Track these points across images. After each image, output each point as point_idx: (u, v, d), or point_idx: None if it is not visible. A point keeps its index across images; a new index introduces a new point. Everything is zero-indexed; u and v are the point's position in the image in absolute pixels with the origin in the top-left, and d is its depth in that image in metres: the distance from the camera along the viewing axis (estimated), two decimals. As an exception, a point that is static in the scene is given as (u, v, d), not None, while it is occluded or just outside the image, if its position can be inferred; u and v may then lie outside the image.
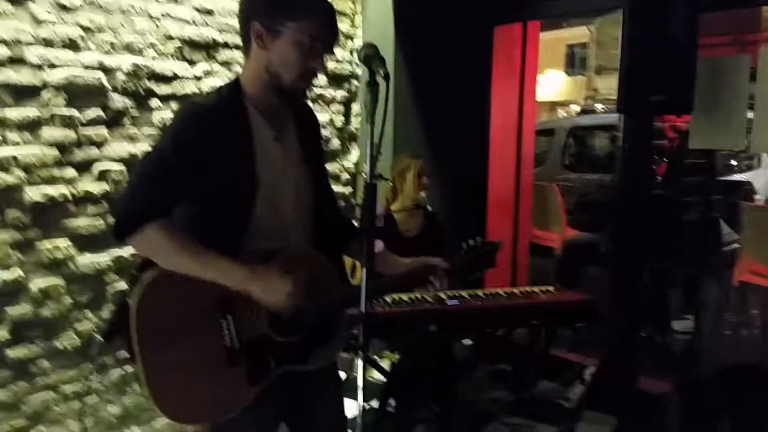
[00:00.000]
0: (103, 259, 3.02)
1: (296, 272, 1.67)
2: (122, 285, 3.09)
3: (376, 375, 3.32)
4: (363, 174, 3.80)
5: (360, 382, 1.66)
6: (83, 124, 2.90)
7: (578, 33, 21.49)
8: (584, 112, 14.73)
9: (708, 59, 3.19)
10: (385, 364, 3.41)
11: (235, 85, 1.76)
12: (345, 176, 4.35)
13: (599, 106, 20.53)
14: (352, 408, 1.96)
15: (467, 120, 4.41)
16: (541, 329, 3.35)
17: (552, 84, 21.43)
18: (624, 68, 3.22)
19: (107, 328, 1.80)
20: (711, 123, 3.30)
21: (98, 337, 2.99)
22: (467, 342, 3.91)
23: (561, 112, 20.56)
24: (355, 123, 4.32)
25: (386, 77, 1.59)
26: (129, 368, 3.14)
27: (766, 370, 3.16)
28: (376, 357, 3.46)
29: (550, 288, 3.17)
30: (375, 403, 3.15)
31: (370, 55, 1.64)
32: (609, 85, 21.86)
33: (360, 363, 1.65)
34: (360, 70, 4.22)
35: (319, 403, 1.90)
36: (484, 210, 4.65)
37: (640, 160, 3.65)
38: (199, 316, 1.66)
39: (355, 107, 4.30)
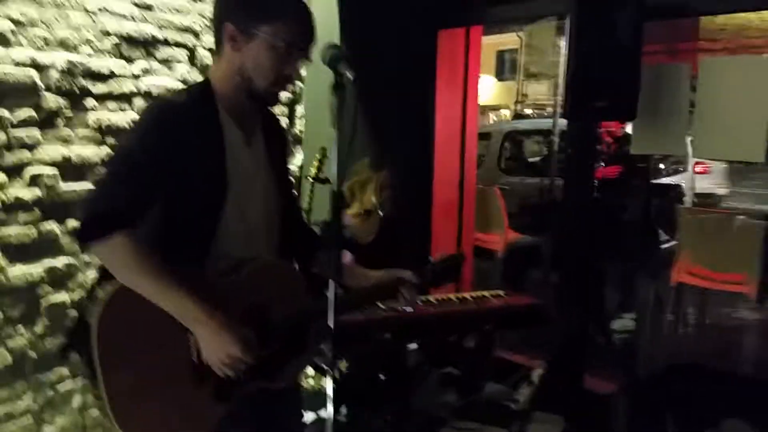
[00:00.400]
0: (35, 270, 2.83)
1: (251, 344, 1.60)
2: (57, 298, 2.91)
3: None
4: (308, 177, 3.74)
5: (330, 393, 1.60)
6: (14, 126, 2.71)
7: (508, 39, 21.98)
8: (518, 116, 15.06)
9: (650, 67, 3.26)
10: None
11: (204, 84, 1.69)
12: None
13: (528, 111, 21.08)
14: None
15: (412, 124, 4.39)
16: (492, 333, 3.36)
17: (483, 89, 21.87)
18: (569, 75, 3.26)
19: (62, 346, 1.68)
20: (653, 129, 3.38)
21: (31, 353, 2.81)
22: (413, 346, 3.89)
23: (492, 117, 21.00)
24: (300, 125, 4.24)
25: (354, 80, 1.53)
26: (65, 387, 2.97)
27: (707, 368, 3.26)
28: (323, 365, 3.40)
29: (500, 292, 3.18)
30: (325, 413, 3.08)
31: (335, 57, 1.59)
32: (538, 90, 22.49)
33: (329, 380, 1.58)
34: (304, 71, 4.14)
35: (285, 419, 1.85)
36: (429, 214, 4.64)
37: (584, 165, 3.71)
38: (164, 331, 1.56)
39: (300, 109, 4.21)
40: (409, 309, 2.83)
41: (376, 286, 1.92)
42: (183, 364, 1.58)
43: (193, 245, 1.62)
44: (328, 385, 1.60)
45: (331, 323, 1.56)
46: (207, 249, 1.64)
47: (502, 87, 23.24)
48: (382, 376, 3.22)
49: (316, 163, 3.66)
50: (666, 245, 4.85)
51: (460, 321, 2.97)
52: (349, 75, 1.54)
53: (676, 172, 7.73)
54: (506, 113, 22.13)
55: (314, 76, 4.11)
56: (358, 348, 2.91)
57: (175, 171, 1.57)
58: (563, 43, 8.69)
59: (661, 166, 7.63)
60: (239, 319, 1.62)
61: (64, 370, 2.97)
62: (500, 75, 23.66)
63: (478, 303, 3.03)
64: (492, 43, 21.26)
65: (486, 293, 3.16)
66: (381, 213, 3.38)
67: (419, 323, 2.88)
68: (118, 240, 1.50)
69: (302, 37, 1.65)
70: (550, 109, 19.21)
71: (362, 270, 1.96)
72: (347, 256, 2.14)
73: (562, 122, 6.94)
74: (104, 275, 1.61)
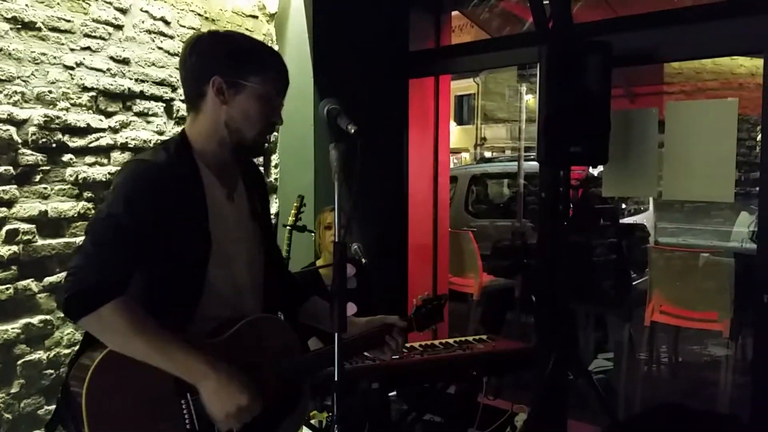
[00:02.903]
0: (11, 328, 2.74)
1: (254, 393, 1.57)
2: (33, 356, 2.82)
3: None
4: (285, 226, 3.73)
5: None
6: (-9, 181, 2.67)
7: (466, 85, 22.41)
8: (483, 160, 15.30)
9: (619, 111, 3.37)
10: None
11: (181, 140, 1.66)
12: (265, 229, 4.23)
13: (488, 154, 21.45)
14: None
15: (386, 169, 4.44)
16: (479, 379, 3.35)
17: (445, 133, 22.15)
18: (541, 121, 3.34)
19: (50, 420, 1.59)
20: (623, 172, 3.47)
21: (6, 415, 2.70)
22: (392, 394, 3.85)
23: (453, 160, 21.27)
24: (275, 173, 4.24)
25: (357, 132, 1.55)
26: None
27: (690, 407, 3.30)
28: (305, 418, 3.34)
29: (484, 337, 3.20)
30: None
31: (334, 112, 1.61)
32: (495, 134, 22.94)
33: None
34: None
35: None
36: (405, 258, 4.65)
37: (557, 208, 3.78)
38: (156, 398, 1.51)
39: (275, 158, 4.22)
40: (395, 357, 2.82)
41: (366, 335, 1.90)
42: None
43: (179, 307, 1.58)
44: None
45: (336, 377, 1.55)
46: (193, 311, 1.60)
47: (461, 131, 23.62)
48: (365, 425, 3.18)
49: (293, 211, 3.65)
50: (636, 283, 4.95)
51: (447, 367, 2.96)
52: (350, 128, 1.56)
53: (638, 211, 7.93)
54: (466, 156, 22.46)
55: (288, 125, 4.14)
56: (344, 398, 2.87)
57: (160, 233, 1.53)
58: (523, 88, 8.95)
59: (623, 206, 7.83)
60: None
61: (41, 433, 2.86)
62: (459, 119, 24.07)
63: (464, 349, 3.03)
64: (451, 88, 21.64)
65: (470, 338, 3.17)
66: (363, 260, 3.38)
67: (406, 370, 2.85)
68: (108, 309, 1.46)
69: (285, 84, 1.70)
70: (508, 152, 19.61)
71: (349, 318, 1.94)
72: (352, 308, 2.13)
73: (527, 165, 7.11)
74: (85, 340, 1.57)
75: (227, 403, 1.53)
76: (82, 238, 2.91)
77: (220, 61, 1.62)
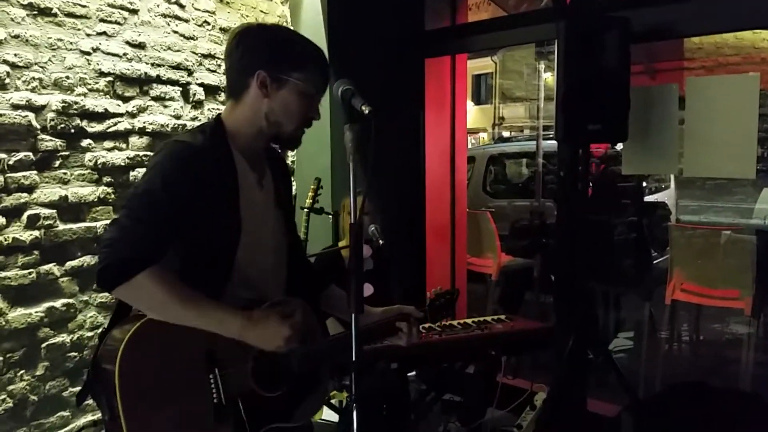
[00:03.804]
0: (35, 312, 2.78)
1: (292, 316, 1.64)
2: (57, 339, 2.87)
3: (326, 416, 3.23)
4: (303, 208, 3.74)
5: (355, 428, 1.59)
6: (11, 167, 2.69)
7: (484, 64, 22.23)
8: (501, 139, 15.19)
9: (638, 88, 3.32)
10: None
11: (217, 126, 1.69)
12: (283, 211, 4.25)
13: (506, 133, 21.29)
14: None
15: (403, 150, 4.42)
16: (497, 359, 3.35)
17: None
18: (559, 99, 3.30)
19: (81, 391, 1.64)
20: (643, 149, 3.42)
21: (32, 397, 2.75)
22: (411, 374, 3.87)
23: (471, 140, 21.16)
24: (291, 156, 4.24)
25: (371, 113, 1.55)
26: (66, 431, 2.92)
27: (712, 386, 3.27)
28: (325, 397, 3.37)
29: (502, 317, 3.19)
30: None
31: (348, 93, 1.61)
32: (513, 113, 22.76)
33: (354, 412, 1.57)
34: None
35: None
36: (423, 239, 4.65)
37: (576, 187, 3.74)
38: (185, 371, 1.55)
39: (291, 141, 4.22)
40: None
41: (382, 322, 1.94)
42: (205, 406, 1.56)
43: (207, 288, 1.61)
44: (354, 418, 1.59)
45: (354, 357, 1.57)
46: (221, 292, 1.64)
47: (479, 111, 23.46)
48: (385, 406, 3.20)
49: (311, 194, 3.66)
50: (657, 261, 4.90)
51: (467, 347, 2.96)
52: (365, 109, 1.55)
53: (658, 189, 7.84)
54: (484, 136, 22.33)
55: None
56: (362, 379, 2.89)
57: (194, 213, 1.57)
58: (542, 66, 8.84)
59: (644, 183, 7.75)
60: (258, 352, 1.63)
61: (66, 413, 2.91)
62: (477, 99, 23.90)
63: (482, 329, 3.03)
64: (468, 68, 21.49)
65: (488, 318, 3.17)
66: (381, 242, 3.38)
67: (424, 351, 2.86)
68: (142, 278, 1.50)
69: (325, 81, 1.74)
70: (527, 131, 19.45)
71: (366, 307, 1.94)
72: (369, 289, 2.14)
73: (545, 144, 7.04)
74: (116, 315, 1.60)
75: (273, 339, 1.61)
76: (104, 222, 2.97)
77: (266, 55, 1.65)
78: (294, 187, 4.29)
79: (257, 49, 1.66)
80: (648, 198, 7.34)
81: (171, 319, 1.53)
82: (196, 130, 1.69)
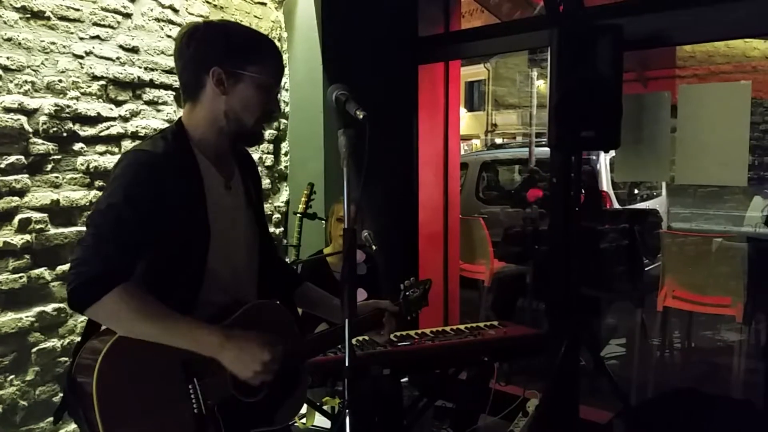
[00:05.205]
0: (26, 316, 2.76)
1: (274, 342, 1.60)
2: (47, 344, 2.85)
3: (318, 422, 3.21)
4: (296, 213, 3.73)
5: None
6: (2, 171, 2.68)
7: (477, 71, 22.30)
8: (494, 146, 15.24)
9: (631, 96, 3.34)
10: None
11: (179, 130, 1.67)
12: (276, 216, 4.24)
13: (498, 140, 21.36)
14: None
15: (396, 156, 4.42)
16: (490, 365, 3.35)
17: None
18: (552, 106, 3.32)
19: (58, 408, 1.60)
20: (636, 157, 3.44)
21: (22, 402, 2.73)
22: (403, 380, 3.86)
23: (464, 146, 21.20)
24: (285, 162, 4.24)
25: (366, 118, 1.55)
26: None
27: (703, 392, 3.29)
28: (317, 404, 3.36)
29: (495, 323, 3.19)
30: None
31: (343, 98, 1.61)
32: (506, 120, 22.83)
33: (347, 418, 1.57)
34: (288, 108, 4.16)
35: None
36: (416, 245, 4.65)
37: (568, 194, 3.75)
38: (164, 383, 1.52)
39: (284, 146, 4.22)
40: (391, 338, 2.82)
41: (360, 319, 1.91)
42: (186, 417, 1.54)
43: (180, 295, 1.59)
44: (346, 425, 1.58)
45: (346, 362, 1.56)
46: (194, 298, 1.62)
47: (472, 118, 23.53)
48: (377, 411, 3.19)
49: (304, 199, 3.66)
50: (649, 268, 4.91)
51: (459, 353, 2.96)
52: (359, 114, 1.55)
53: (650, 197, 7.86)
54: (477, 143, 22.39)
55: (297, 112, 4.14)
56: (355, 385, 2.88)
57: (160, 222, 1.53)
58: (534, 74, 8.89)
59: (635, 191, 7.77)
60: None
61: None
62: (470, 106, 23.96)
63: (475, 335, 3.03)
64: (462, 74, 21.55)
65: (481, 324, 3.17)
66: (374, 247, 3.38)
67: (417, 357, 2.85)
68: (112, 297, 1.46)
69: (281, 72, 1.73)
70: (520, 138, 19.51)
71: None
72: (363, 294, 2.14)
73: (538, 150, 7.08)
74: (89, 328, 1.57)
75: (251, 364, 1.56)
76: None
77: (219, 51, 1.62)
78: (287, 193, 4.29)
79: (209, 46, 1.63)
80: (639, 205, 7.37)
81: (146, 338, 1.50)
82: (157, 137, 1.65)
